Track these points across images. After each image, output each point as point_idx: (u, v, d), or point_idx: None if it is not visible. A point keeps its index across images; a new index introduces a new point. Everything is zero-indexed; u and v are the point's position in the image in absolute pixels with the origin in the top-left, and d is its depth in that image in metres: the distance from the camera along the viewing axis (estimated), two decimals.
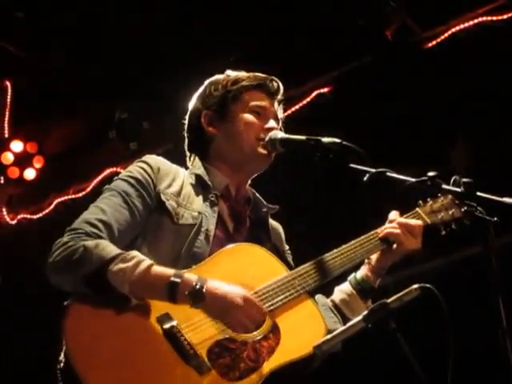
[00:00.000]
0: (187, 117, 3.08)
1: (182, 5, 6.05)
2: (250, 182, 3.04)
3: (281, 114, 3.06)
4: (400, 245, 2.90)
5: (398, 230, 2.90)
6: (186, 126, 3.09)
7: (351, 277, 2.95)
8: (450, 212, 3.00)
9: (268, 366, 2.50)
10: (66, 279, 2.55)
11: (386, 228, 2.94)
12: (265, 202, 3.04)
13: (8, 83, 7.05)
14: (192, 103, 3.07)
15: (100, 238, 2.57)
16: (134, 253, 2.52)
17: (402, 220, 2.95)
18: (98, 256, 2.48)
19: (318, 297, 2.92)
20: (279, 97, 3.04)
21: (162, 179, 2.81)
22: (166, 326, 2.45)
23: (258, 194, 3.06)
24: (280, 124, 3.02)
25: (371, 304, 2.88)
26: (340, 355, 2.80)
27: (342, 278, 2.95)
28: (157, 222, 2.74)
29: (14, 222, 7.30)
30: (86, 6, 6.11)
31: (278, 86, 3.03)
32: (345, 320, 2.84)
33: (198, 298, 2.46)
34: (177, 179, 2.86)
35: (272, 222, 3.09)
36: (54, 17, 6.31)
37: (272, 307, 2.62)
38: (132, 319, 2.46)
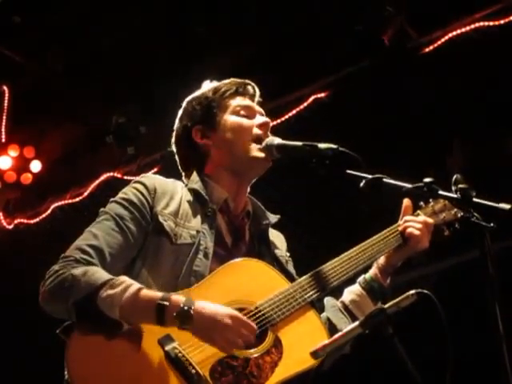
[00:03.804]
0: (174, 140, 3.06)
1: (181, 10, 6.06)
2: (249, 190, 3.01)
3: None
4: (416, 242, 2.88)
5: (420, 227, 2.90)
6: (176, 149, 3.07)
7: (360, 278, 2.93)
8: (453, 212, 2.98)
9: (271, 382, 2.48)
10: (58, 307, 2.55)
11: (407, 224, 2.92)
12: (266, 213, 3.02)
13: (5, 88, 7.05)
14: (177, 125, 3.06)
15: (90, 263, 2.57)
16: (123, 278, 2.51)
17: (422, 217, 2.94)
18: (87, 284, 2.47)
19: (328, 299, 2.91)
20: (257, 99, 3.04)
21: (159, 200, 2.78)
22: (167, 347, 2.44)
23: (260, 205, 3.04)
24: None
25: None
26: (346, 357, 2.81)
27: (351, 281, 2.93)
28: (156, 243, 2.72)
29: (11, 227, 7.29)
30: (84, 10, 6.12)
31: (254, 89, 3.04)
32: (354, 319, 2.81)
33: (186, 319, 2.43)
34: (174, 197, 2.84)
35: (273, 232, 3.07)
36: (52, 21, 6.33)
37: (274, 321, 2.60)
38: (133, 344, 2.45)
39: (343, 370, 2.92)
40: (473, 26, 5.47)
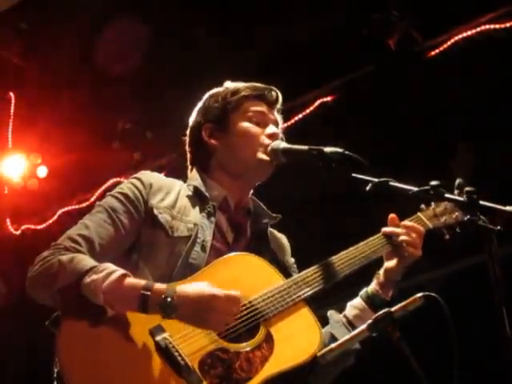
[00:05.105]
0: (188, 132, 3.08)
1: (185, 17, 6.08)
2: (252, 191, 3.03)
3: (280, 123, 3.05)
4: (406, 247, 2.83)
5: (403, 231, 2.86)
6: (187, 141, 3.09)
7: (362, 292, 2.91)
8: (454, 215, 2.96)
9: (260, 376, 2.48)
10: (43, 293, 2.57)
11: (398, 231, 2.89)
12: (268, 212, 3.02)
13: (12, 94, 7.08)
14: (192, 118, 3.08)
15: (79, 252, 2.59)
16: (107, 265, 2.52)
17: (407, 222, 2.92)
18: (72, 270, 2.49)
19: (331, 313, 2.89)
20: (278, 106, 3.05)
21: (154, 194, 2.81)
22: (158, 338, 2.45)
23: (261, 204, 3.04)
24: (280, 131, 3.01)
25: None
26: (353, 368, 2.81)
27: (354, 294, 2.93)
28: (151, 236, 2.74)
29: (18, 233, 7.31)
30: (87, 18, 6.15)
31: (277, 96, 3.04)
32: None
33: (169, 310, 2.44)
34: (171, 192, 2.86)
35: (276, 234, 3.08)
36: (58, 27, 6.35)
37: (266, 316, 2.61)
38: (124, 333, 2.46)
39: (348, 373, 2.91)
40: (478, 30, 5.47)
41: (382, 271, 2.90)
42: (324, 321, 2.85)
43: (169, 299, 2.43)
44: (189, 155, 3.09)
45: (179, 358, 2.42)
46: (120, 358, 2.42)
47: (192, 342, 2.48)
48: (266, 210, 3.03)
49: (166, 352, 2.43)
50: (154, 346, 2.44)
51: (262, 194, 3.06)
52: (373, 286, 2.90)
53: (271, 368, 2.50)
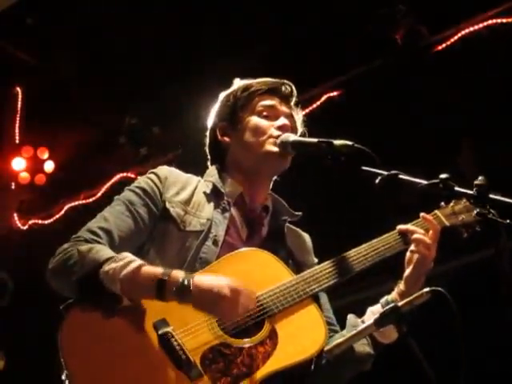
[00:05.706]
0: (207, 134, 3.11)
1: (193, 11, 6.08)
2: (270, 187, 3.02)
3: (298, 116, 3.06)
4: (417, 246, 2.78)
5: (417, 229, 2.83)
6: (206, 143, 3.11)
7: (383, 299, 2.85)
8: (473, 214, 2.88)
9: (261, 372, 2.48)
10: (63, 284, 2.60)
11: (406, 226, 2.87)
12: (288, 209, 3.01)
13: (19, 89, 7.10)
14: (209, 120, 3.10)
15: (98, 244, 2.62)
16: (126, 254, 2.55)
17: (422, 236, 2.83)
18: (91, 259, 2.52)
19: (350, 317, 2.86)
20: (294, 99, 3.04)
21: (168, 188, 2.84)
22: (161, 331, 2.46)
23: (282, 201, 3.03)
24: (298, 124, 3.03)
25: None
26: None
27: (375, 301, 2.88)
28: (163, 229, 2.77)
29: (25, 228, 7.34)
30: (97, 12, 6.16)
31: (291, 90, 3.04)
32: (375, 343, 2.78)
33: (184, 293, 2.46)
34: (187, 187, 2.88)
35: (298, 232, 3.07)
36: (65, 23, 6.38)
37: (271, 313, 2.60)
38: (128, 325, 2.48)
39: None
40: (485, 24, 5.46)
41: (402, 281, 2.83)
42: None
43: (186, 283, 2.45)
44: (209, 156, 3.11)
45: (180, 352, 2.43)
46: (121, 349, 2.44)
47: (195, 337, 2.49)
48: (286, 207, 3.02)
49: (167, 346, 2.44)
50: (157, 340, 2.46)
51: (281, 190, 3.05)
52: (393, 295, 2.84)
53: (273, 364, 2.50)
